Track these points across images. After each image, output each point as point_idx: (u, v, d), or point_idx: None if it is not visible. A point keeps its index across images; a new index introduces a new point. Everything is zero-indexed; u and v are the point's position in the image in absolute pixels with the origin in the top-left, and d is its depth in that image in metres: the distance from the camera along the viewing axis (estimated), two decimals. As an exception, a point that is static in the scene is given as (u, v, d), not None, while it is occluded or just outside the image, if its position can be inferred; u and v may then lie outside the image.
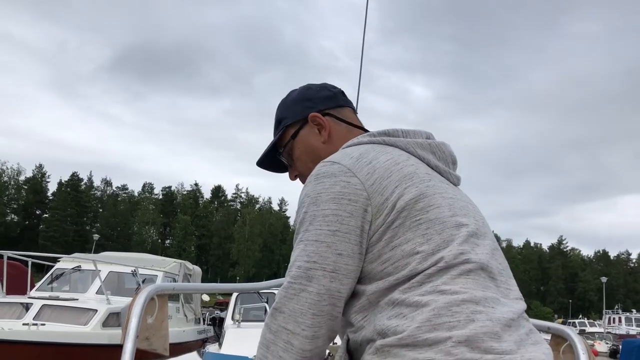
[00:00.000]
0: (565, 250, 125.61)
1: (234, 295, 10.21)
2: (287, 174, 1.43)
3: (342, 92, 1.42)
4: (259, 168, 1.47)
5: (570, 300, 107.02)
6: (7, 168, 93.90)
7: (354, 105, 1.43)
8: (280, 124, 1.37)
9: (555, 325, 1.78)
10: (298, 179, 1.38)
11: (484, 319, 0.96)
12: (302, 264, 1.05)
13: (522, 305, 1.09)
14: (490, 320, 0.97)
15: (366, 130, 1.33)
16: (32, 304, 8.60)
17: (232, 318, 9.32)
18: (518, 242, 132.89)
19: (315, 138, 1.32)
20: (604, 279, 58.52)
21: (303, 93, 1.38)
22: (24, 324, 8.01)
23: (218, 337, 10.61)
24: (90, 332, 8.26)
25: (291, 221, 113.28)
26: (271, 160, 1.42)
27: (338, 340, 1.48)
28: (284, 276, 2.60)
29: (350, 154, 1.14)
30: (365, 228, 1.06)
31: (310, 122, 1.33)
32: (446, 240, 1.04)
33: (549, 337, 1.79)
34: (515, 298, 1.09)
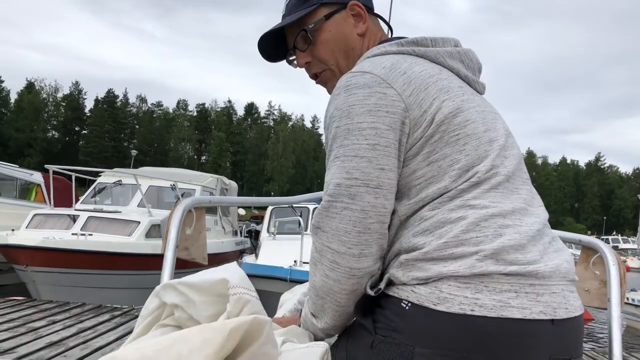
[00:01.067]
0: (602, 167, 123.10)
1: (269, 209, 10.48)
2: (288, 62, 1.31)
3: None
4: (258, 48, 1.31)
5: (605, 218, 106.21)
6: (45, 85, 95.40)
7: (385, 17, 1.34)
8: None
9: (586, 237, 1.77)
10: (306, 67, 1.27)
11: (512, 233, 0.97)
12: (342, 181, 0.99)
13: (545, 213, 1.10)
14: (518, 234, 0.97)
15: (388, 24, 1.28)
16: (78, 215, 8.98)
17: (268, 231, 9.63)
18: (554, 159, 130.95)
19: (350, 27, 1.23)
20: (640, 196, 57.55)
21: None
22: (72, 234, 8.43)
23: (254, 249, 11.02)
24: (134, 242, 8.65)
25: (324, 138, 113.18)
26: (272, 42, 1.30)
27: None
28: (316, 191, 2.63)
29: (381, 63, 1.07)
30: (402, 141, 1.02)
31: (349, 9, 1.23)
32: (481, 157, 1.03)
33: (579, 251, 1.81)
34: (539, 206, 1.09)
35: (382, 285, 1.04)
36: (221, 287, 0.91)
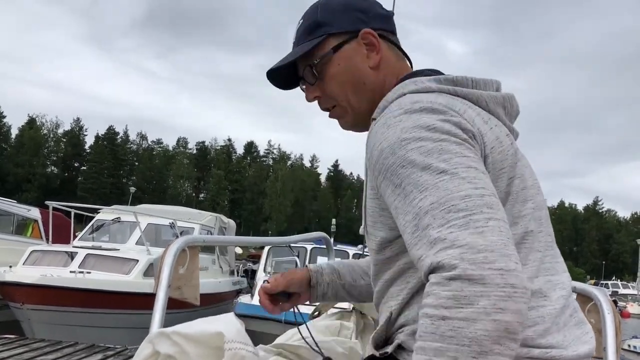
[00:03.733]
0: (600, 211, 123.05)
1: (266, 248, 10.45)
2: (303, 94, 1.19)
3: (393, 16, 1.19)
4: (268, 79, 1.19)
5: (604, 262, 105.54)
6: (47, 121, 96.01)
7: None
8: (321, 29, 1.11)
9: (581, 284, 1.76)
10: (317, 102, 1.17)
11: (534, 316, 0.89)
12: (471, 192, 0.80)
13: (569, 280, 1.00)
14: (541, 317, 0.89)
15: (412, 65, 1.16)
16: (76, 252, 8.94)
17: (264, 270, 9.58)
18: (552, 202, 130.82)
19: (362, 59, 1.10)
20: (639, 241, 57.37)
21: (355, 1, 1.13)
22: (70, 272, 8.37)
23: (251, 288, 10.92)
24: (132, 280, 8.60)
25: (322, 178, 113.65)
26: (284, 73, 1.17)
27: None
28: (314, 231, 2.65)
29: (432, 99, 0.94)
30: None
31: (360, 38, 1.10)
32: (518, 220, 0.94)
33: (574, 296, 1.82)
34: (563, 272, 1.00)
35: (390, 349, 0.97)
36: (217, 340, 0.89)
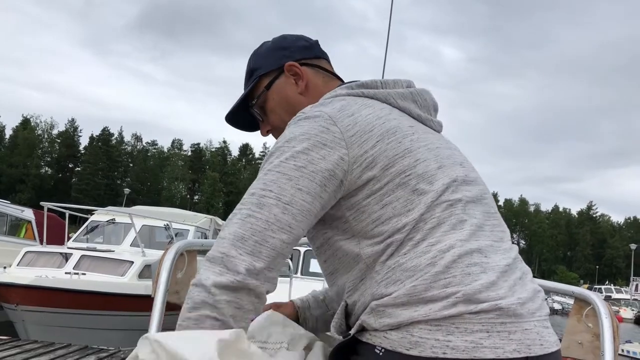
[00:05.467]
0: (594, 216, 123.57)
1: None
2: (258, 131, 1.35)
3: (318, 43, 1.33)
4: (231, 125, 1.37)
5: (597, 267, 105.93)
6: (41, 122, 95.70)
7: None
8: (253, 74, 1.28)
9: (579, 289, 1.75)
10: (270, 135, 1.31)
11: (478, 272, 0.97)
12: (257, 191, 0.99)
13: (514, 248, 1.09)
14: (485, 273, 0.97)
15: (343, 82, 1.26)
16: (71, 254, 8.89)
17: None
18: (547, 207, 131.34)
19: (291, 88, 1.25)
20: (633, 246, 57.64)
21: (278, 42, 1.30)
22: (65, 273, 8.33)
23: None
24: (127, 282, 8.55)
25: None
26: (242, 117, 1.33)
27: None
28: None
29: (331, 104, 1.09)
30: (337, 174, 1.01)
31: (286, 71, 1.25)
32: (437, 195, 1.02)
33: (572, 301, 1.79)
34: (507, 240, 1.09)
35: (352, 331, 1.04)
36: None
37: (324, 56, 1.32)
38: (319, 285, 2.68)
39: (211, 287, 0.93)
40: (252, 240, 0.95)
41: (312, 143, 1.01)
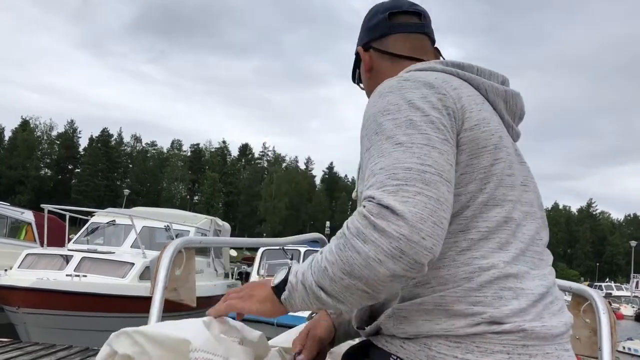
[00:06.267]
0: (594, 213, 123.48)
1: (260, 251, 10.43)
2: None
3: (394, 14, 1.23)
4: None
5: (598, 264, 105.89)
6: (40, 123, 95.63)
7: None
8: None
9: (577, 285, 1.76)
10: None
11: (510, 297, 0.93)
12: (414, 166, 0.87)
13: (552, 275, 1.05)
14: (516, 299, 0.93)
15: (416, 59, 1.19)
16: (72, 256, 8.88)
17: (257, 273, 9.56)
18: (547, 204, 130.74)
19: (363, 71, 1.28)
20: (633, 243, 57.59)
21: (364, 20, 1.30)
22: (66, 275, 8.32)
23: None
24: (128, 284, 8.56)
25: (317, 180, 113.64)
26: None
27: None
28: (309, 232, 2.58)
29: (432, 75, 1.02)
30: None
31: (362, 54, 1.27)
32: (504, 205, 0.98)
33: (570, 297, 1.80)
34: (548, 266, 1.05)
35: (368, 329, 1.02)
36: (182, 347, 0.86)
37: (399, 29, 1.23)
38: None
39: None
40: (430, 221, 0.84)
41: (441, 112, 0.95)
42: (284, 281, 0.96)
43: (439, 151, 0.89)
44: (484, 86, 1.08)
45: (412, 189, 0.84)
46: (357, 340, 1.05)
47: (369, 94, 1.21)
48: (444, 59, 1.24)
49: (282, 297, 0.96)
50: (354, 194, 1.09)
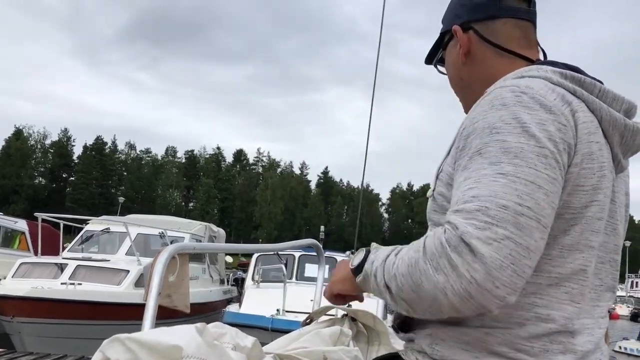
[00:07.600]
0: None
1: (255, 256, 10.41)
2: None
3: None
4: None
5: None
6: (34, 132, 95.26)
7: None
8: (443, 26, 1.18)
9: None
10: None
11: (557, 351, 0.88)
12: (511, 205, 0.79)
13: (606, 323, 0.98)
14: (563, 354, 0.89)
15: (525, 58, 1.06)
16: (66, 264, 8.84)
17: (252, 279, 9.54)
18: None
19: (456, 55, 1.12)
20: (627, 243, 57.77)
21: None
22: (61, 283, 8.28)
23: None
24: (123, 291, 8.52)
25: (312, 185, 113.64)
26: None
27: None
28: (304, 238, 2.58)
29: (550, 92, 0.90)
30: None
31: (453, 35, 1.12)
32: (583, 248, 0.91)
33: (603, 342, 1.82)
34: (605, 307, 0.99)
35: (404, 336, 1.02)
36: (174, 353, 0.86)
37: (512, 14, 1.07)
38: (313, 291, 2.66)
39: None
40: (510, 269, 0.79)
41: (556, 146, 0.86)
42: (361, 265, 0.98)
43: (544, 192, 0.82)
44: (600, 113, 0.93)
45: (501, 231, 0.78)
46: (382, 351, 1.04)
47: (453, 82, 1.14)
48: (545, 55, 1.12)
49: (357, 280, 0.99)
50: (429, 193, 1.05)
